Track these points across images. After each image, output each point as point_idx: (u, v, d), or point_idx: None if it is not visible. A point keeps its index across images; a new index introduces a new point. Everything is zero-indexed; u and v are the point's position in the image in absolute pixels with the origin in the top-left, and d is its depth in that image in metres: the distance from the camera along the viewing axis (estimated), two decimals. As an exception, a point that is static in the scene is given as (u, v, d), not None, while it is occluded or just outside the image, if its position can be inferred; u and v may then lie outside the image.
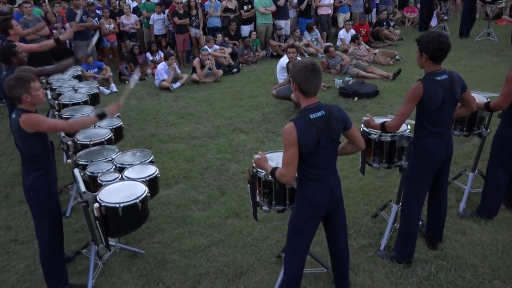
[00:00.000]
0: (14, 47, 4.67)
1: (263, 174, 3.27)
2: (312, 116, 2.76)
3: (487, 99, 4.25)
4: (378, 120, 3.75)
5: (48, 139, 3.40)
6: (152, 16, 10.80)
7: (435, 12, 13.93)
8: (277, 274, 3.55)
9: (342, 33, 11.91)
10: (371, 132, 3.74)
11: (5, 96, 4.95)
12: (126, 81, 9.68)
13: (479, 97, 4.20)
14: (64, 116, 5.00)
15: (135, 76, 4.06)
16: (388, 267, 3.67)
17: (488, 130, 4.28)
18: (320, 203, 2.92)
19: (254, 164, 3.16)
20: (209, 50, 9.90)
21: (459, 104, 3.51)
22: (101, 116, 3.52)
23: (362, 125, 3.86)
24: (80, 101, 5.50)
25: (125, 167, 3.87)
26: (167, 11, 11.07)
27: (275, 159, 3.30)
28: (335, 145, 2.90)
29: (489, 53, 10.65)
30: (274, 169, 2.93)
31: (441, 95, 3.23)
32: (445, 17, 13.93)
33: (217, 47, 10.52)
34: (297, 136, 2.70)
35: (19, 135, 3.22)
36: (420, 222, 3.96)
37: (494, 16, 13.65)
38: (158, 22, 10.82)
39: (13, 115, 3.25)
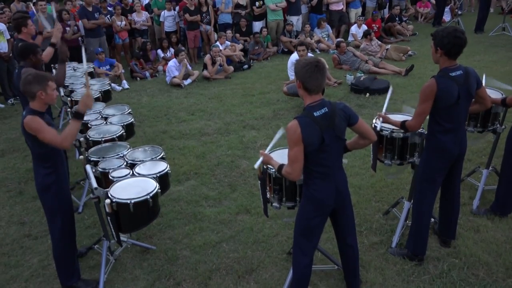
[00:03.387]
0: (36, 46, 4.70)
1: (274, 170, 3.26)
2: (316, 113, 2.74)
3: (502, 94, 4.19)
4: (394, 117, 3.72)
5: None
6: (162, 13, 10.83)
7: (448, 7, 13.73)
8: (287, 271, 3.54)
9: (354, 29, 11.82)
10: (383, 128, 3.70)
11: (19, 93, 4.99)
12: (138, 78, 9.74)
13: (495, 93, 4.13)
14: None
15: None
16: (400, 264, 3.64)
17: (503, 127, 4.21)
18: (325, 201, 2.91)
19: (261, 158, 3.13)
20: (221, 47, 9.90)
21: (473, 100, 3.46)
22: (78, 116, 3.27)
23: (374, 121, 3.83)
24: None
25: (136, 164, 3.89)
26: (177, 8, 11.09)
27: (284, 155, 3.29)
28: (340, 142, 2.87)
29: (504, 48, 10.46)
30: (281, 166, 2.92)
31: (456, 91, 3.18)
32: (459, 12, 13.72)
33: (228, 43, 10.51)
34: (301, 134, 2.68)
35: (26, 134, 3.24)
36: (433, 220, 3.92)
37: (509, 11, 13.40)
38: (169, 19, 10.86)
39: (24, 113, 3.28)
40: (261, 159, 3.10)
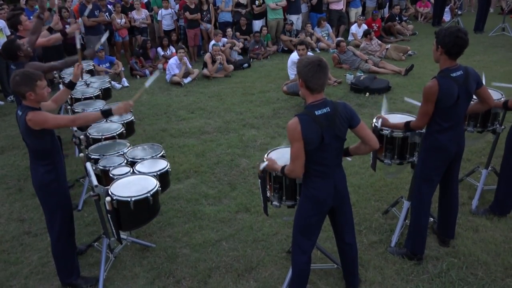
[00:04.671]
0: (15, 41, 4.56)
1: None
2: (317, 112, 2.74)
3: (502, 95, 4.20)
4: (394, 117, 3.73)
5: (55, 134, 3.42)
6: (160, 11, 10.81)
7: (448, 7, 13.74)
8: (287, 269, 3.55)
9: (354, 28, 11.82)
10: (383, 127, 3.71)
11: (14, 92, 4.99)
12: (138, 76, 9.73)
13: (495, 94, 4.14)
14: (76, 110, 5.05)
15: (153, 77, 3.65)
16: (399, 263, 3.65)
17: (503, 127, 4.21)
18: (324, 199, 2.92)
19: (266, 168, 3.18)
20: (220, 45, 9.87)
21: (476, 100, 3.47)
22: (106, 114, 3.39)
23: (374, 121, 3.84)
24: (92, 95, 5.55)
25: (137, 161, 3.89)
26: (177, 6, 11.08)
27: (284, 153, 3.31)
28: (340, 142, 2.88)
29: (504, 48, 10.48)
30: (283, 167, 2.94)
31: (456, 91, 3.19)
32: (459, 12, 13.72)
33: (225, 40, 10.49)
34: (301, 131, 2.69)
35: (27, 132, 3.21)
36: (432, 219, 3.93)
37: (509, 11, 13.41)
38: (166, 17, 10.83)
39: (19, 112, 3.25)
40: (266, 163, 3.13)
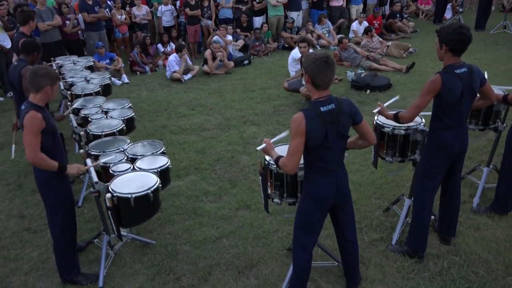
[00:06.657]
0: (39, 43, 4.80)
1: (275, 166, 3.25)
2: (322, 109, 2.73)
3: (504, 92, 4.18)
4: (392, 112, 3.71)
5: (57, 130, 3.40)
6: (160, 7, 10.77)
7: (450, 4, 13.71)
8: (287, 267, 3.54)
9: (354, 25, 11.79)
10: (384, 125, 3.69)
11: (13, 88, 4.98)
12: (138, 72, 9.70)
13: (496, 90, 4.13)
14: (76, 107, 5.01)
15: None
16: (400, 261, 3.64)
17: (504, 125, 4.21)
18: (325, 196, 2.91)
19: (262, 151, 3.12)
20: (221, 43, 9.84)
21: (478, 96, 3.45)
22: (62, 169, 3.29)
23: (375, 118, 3.82)
24: (92, 91, 5.52)
25: (137, 158, 3.88)
26: (178, 2, 11.04)
27: (285, 151, 3.29)
28: (343, 139, 2.87)
29: (505, 46, 10.45)
30: (278, 157, 2.89)
31: (460, 88, 3.18)
32: (460, 9, 13.68)
33: (230, 37, 10.45)
34: (305, 127, 2.67)
35: None
36: (433, 217, 3.92)
37: (510, 9, 13.37)
38: (166, 13, 10.80)
39: (23, 107, 3.27)
40: (264, 145, 3.08)
